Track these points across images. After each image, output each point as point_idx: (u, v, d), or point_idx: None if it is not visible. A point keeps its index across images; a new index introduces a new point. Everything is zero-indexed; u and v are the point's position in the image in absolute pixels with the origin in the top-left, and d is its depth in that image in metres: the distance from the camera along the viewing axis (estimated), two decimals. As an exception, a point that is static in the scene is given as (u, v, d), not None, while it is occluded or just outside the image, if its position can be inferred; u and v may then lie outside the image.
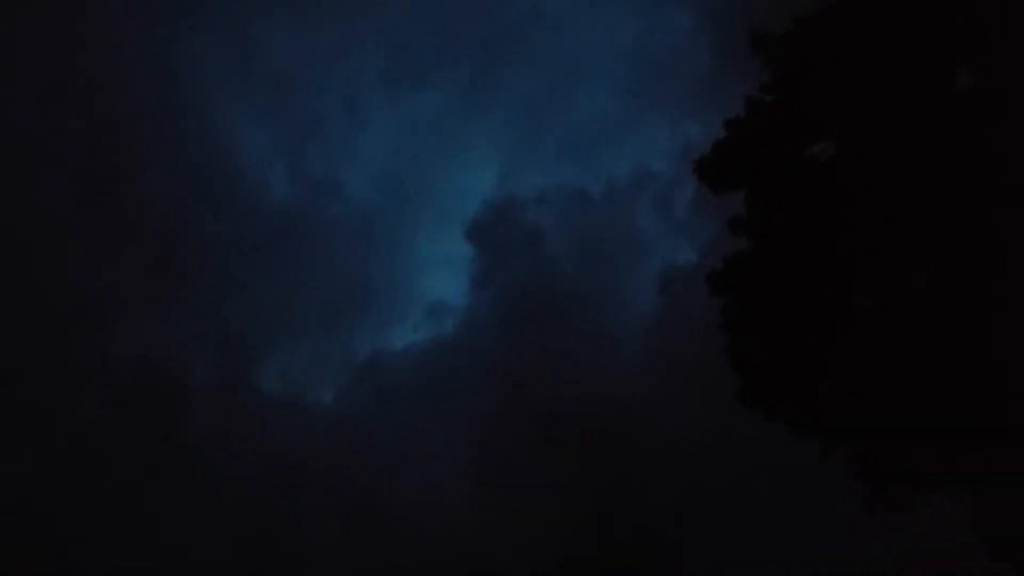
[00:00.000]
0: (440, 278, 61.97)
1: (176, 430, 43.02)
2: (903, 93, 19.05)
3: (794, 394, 20.14)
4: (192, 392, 44.42)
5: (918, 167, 18.80)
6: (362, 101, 56.59)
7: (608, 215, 49.77)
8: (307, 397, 48.52)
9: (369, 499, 42.06)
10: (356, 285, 51.85)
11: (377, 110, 58.15)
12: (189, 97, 49.50)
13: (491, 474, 42.67)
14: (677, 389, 39.34)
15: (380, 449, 43.51)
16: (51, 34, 47.11)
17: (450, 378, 45.94)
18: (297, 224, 50.52)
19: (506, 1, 57.01)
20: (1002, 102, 18.30)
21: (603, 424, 40.65)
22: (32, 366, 41.79)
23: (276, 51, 53.98)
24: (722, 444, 36.61)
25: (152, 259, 46.69)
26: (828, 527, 32.54)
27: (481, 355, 45.18)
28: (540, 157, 56.26)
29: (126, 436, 41.72)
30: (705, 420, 36.73)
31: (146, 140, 47.51)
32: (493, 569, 39.42)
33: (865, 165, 19.30)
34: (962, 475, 18.96)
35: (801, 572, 33.27)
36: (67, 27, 47.42)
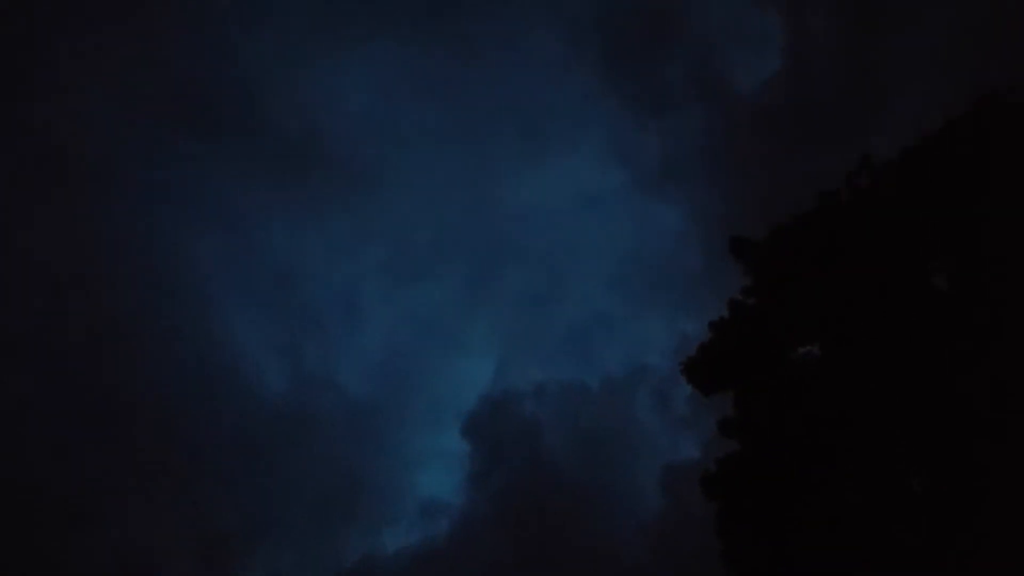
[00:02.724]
0: (435, 475, 60.87)
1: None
2: (881, 296, 19.45)
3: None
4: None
5: (900, 367, 18.90)
6: (361, 296, 57.92)
7: (606, 409, 49.53)
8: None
9: None
10: (349, 483, 51.02)
11: (375, 305, 59.31)
12: (190, 291, 50.83)
13: None
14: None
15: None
16: (62, 228, 48.98)
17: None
18: (292, 420, 50.39)
19: (502, 199, 59.53)
20: (977, 302, 18.64)
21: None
22: (26, 562, 40.60)
23: (278, 248, 55.92)
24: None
25: (146, 455, 46.22)
26: None
27: (476, 558, 43.64)
28: (537, 351, 56.82)
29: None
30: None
31: (145, 333, 48.32)
32: None
33: (849, 367, 19.41)
34: None
35: None
36: (78, 222, 49.37)
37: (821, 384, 19.43)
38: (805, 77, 46.97)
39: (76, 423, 45.66)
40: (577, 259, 59.42)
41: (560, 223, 59.86)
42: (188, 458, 47.14)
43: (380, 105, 59.86)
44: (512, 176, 59.44)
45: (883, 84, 43.05)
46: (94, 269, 48.31)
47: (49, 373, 45.83)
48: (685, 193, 53.31)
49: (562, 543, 42.54)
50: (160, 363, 48.78)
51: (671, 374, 48.86)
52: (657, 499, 43.84)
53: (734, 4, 52.40)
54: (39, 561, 40.83)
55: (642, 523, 43.10)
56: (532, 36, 57.52)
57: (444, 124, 59.47)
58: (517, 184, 59.22)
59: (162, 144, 52.78)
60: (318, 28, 56.50)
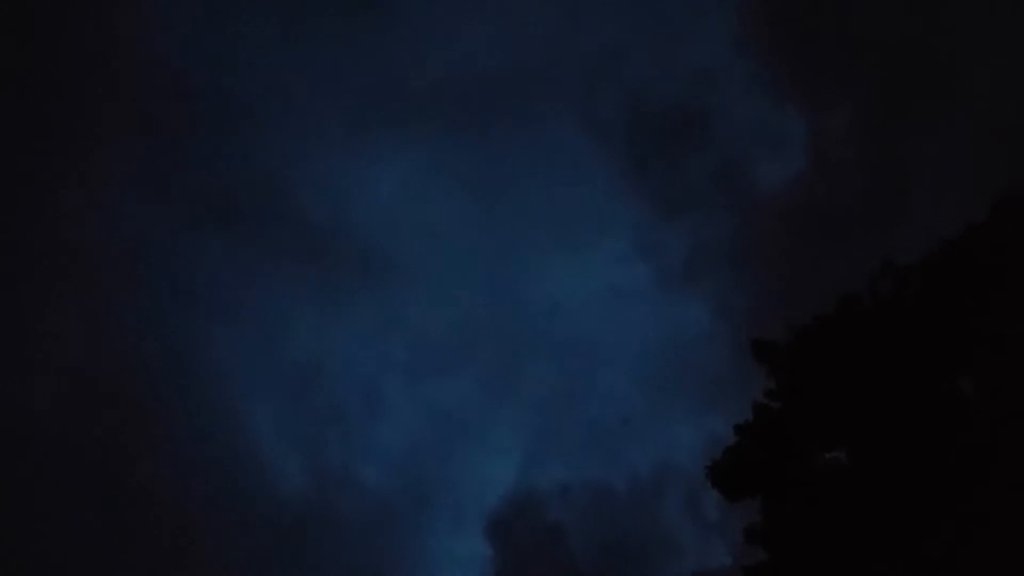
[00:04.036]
0: (456, 580, 59.23)
1: None
2: (907, 402, 19.14)
3: None
4: None
5: (929, 475, 18.46)
6: (382, 390, 57.64)
7: (633, 511, 48.46)
8: None
9: None
10: (367, 585, 49.85)
11: (397, 399, 58.92)
12: (210, 384, 50.92)
13: None
14: None
15: None
16: (81, 320, 49.63)
17: None
18: (309, 518, 49.64)
19: (527, 293, 59.64)
20: (1005, 408, 18.29)
21: None
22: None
23: (299, 340, 56.08)
24: None
25: (161, 552, 45.67)
26: None
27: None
28: (561, 449, 56.03)
29: None
30: None
31: (162, 427, 48.32)
32: None
33: (877, 474, 18.99)
34: None
35: None
36: (97, 313, 50.03)
37: (848, 492, 18.98)
38: (828, 176, 47.38)
39: (91, 516, 45.38)
40: (602, 355, 59.02)
41: (585, 319, 59.72)
42: (204, 555, 46.49)
43: (405, 198, 60.64)
44: (537, 271, 59.81)
45: (906, 183, 43.30)
46: (112, 361, 48.74)
47: (64, 465, 45.83)
48: (710, 290, 53.25)
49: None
50: (176, 458, 48.63)
51: (700, 475, 47.98)
52: (687, 606, 42.49)
53: (758, 104, 53.30)
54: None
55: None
56: (559, 132, 58.57)
57: (469, 218, 60.17)
58: (542, 279, 59.50)
59: (183, 235, 53.77)
60: (344, 121, 57.94)
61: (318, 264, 56.32)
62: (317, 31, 56.96)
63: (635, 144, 55.26)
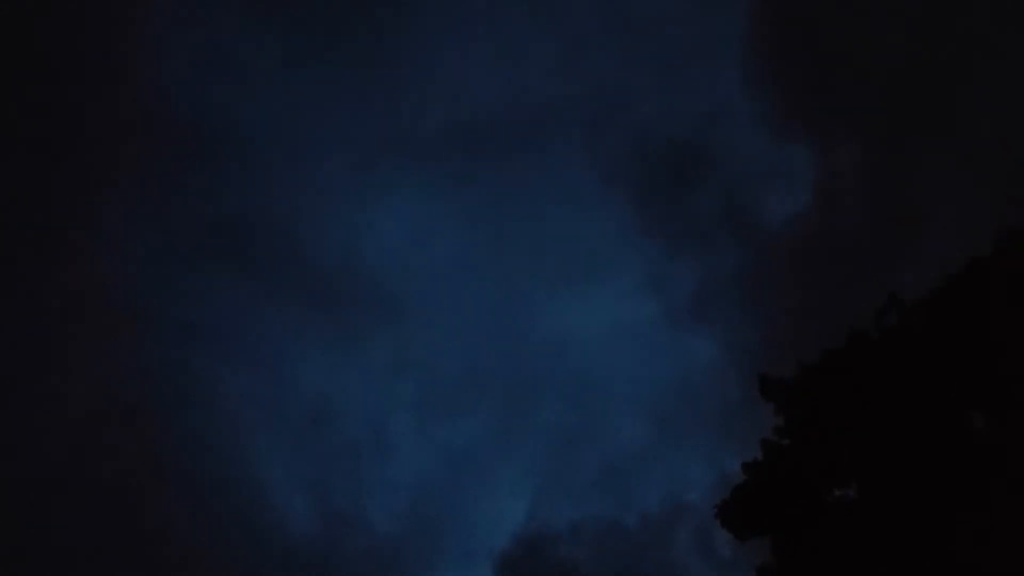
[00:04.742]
0: (467, 621, 58.50)
1: None
2: (917, 437, 19.03)
3: None
4: None
5: (941, 510, 18.30)
6: (392, 430, 57.53)
7: (644, 550, 47.95)
8: None
9: None
10: (376, 629, 49.34)
11: (406, 439, 58.76)
12: (220, 425, 50.86)
13: None
14: None
15: None
16: (93, 365, 49.76)
17: None
18: (317, 559, 49.29)
19: (535, 332, 59.62)
20: (1016, 442, 18.17)
21: None
22: None
23: (309, 380, 56.09)
24: None
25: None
26: None
27: None
28: (572, 487, 55.63)
29: None
30: None
31: (173, 467, 48.19)
32: None
33: (887, 510, 18.83)
34: None
35: None
36: (109, 358, 50.15)
37: (860, 528, 18.81)
38: (834, 212, 47.52)
39: (103, 560, 45.15)
40: (611, 392, 58.84)
41: (593, 356, 59.62)
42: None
43: (414, 238, 61.11)
44: (545, 309, 59.85)
45: (912, 218, 43.38)
46: (122, 404, 48.74)
47: (75, 509, 45.68)
48: (718, 326, 53.16)
49: None
50: (186, 499, 48.46)
51: (711, 512, 47.58)
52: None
53: (764, 141, 53.60)
54: None
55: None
56: (566, 172, 58.99)
57: (477, 258, 60.48)
58: (550, 317, 59.52)
59: (192, 276, 54.02)
60: (353, 162, 58.43)
61: (328, 304, 56.61)
62: (326, 74, 57.81)
63: (642, 182, 55.62)
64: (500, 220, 59.96)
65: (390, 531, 53.95)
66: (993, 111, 41.79)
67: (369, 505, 55.88)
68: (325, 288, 56.12)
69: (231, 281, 54.81)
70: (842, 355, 20.30)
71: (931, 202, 43.32)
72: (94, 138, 51.84)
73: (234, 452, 50.69)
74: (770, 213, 52.82)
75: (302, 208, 57.07)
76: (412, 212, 59.82)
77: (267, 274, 56.43)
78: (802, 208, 50.26)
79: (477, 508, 56.57)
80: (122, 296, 52.19)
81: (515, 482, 56.77)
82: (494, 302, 60.04)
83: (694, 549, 47.55)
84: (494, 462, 56.99)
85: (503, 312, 60.06)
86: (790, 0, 48.69)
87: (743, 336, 49.73)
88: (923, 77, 45.16)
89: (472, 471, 56.80)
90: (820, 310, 41.38)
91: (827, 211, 47.59)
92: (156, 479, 47.69)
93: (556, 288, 59.86)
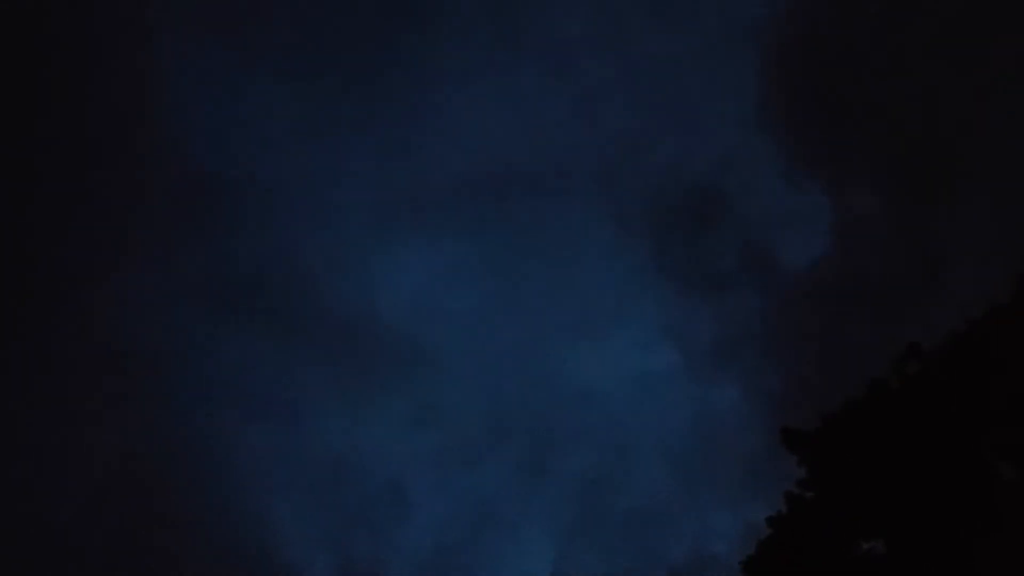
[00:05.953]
0: None
1: None
2: (945, 486, 18.69)
3: None
4: None
5: (971, 561, 17.89)
6: (412, 483, 57.02)
7: (674, 607, 47.01)
8: None
9: None
10: None
11: (427, 492, 58.23)
12: (239, 482, 50.60)
13: None
14: None
15: None
16: (111, 417, 49.84)
17: None
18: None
19: (556, 381, 59.24)
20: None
21: None
22: None
23: (328, 434, 55.79)
24: None
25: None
26: None
27: None
28: (596, 541, 54.79)
29: None
30: None
31: (192, 526, 47.92)
32: None
33: (917, 563, 18.42)
34: None
35: None
36: (127, 411, 50.27)
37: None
38: (854, 256, 47.24)
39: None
40: (633, 442, 58.19)
41: (614, 406, 59.08)
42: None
43: (433, 289, 61.20)
44: (565, 358, 59.51)
45: (933, 262, 43.05)
46: (142, 462, 48.67)
47: (96, 569, 45.50)
48: (739, 372, 52.69)
49: None
50: (206, 557, 48.14)
51: (737, 565, 46.67)
52: None
53: (780, 185, 53.54)
54: None
55: None
56: (584, 219, 59.09)
57: (497, 307, 60.40)
58: (570, 367, 59.15)
59: (210, 331, 54.21)
60: (372, 214, 58.80)
61: (347, 356, 56.61)
62: (345, 126, 58.49)
63: (659, 228, 55.62)
64: (518, 270, 60.03)
65: (410, 588, 53.28)
66: (1014, 153, 41.64)
67: (387, 562, 55.32)
68: (344, 342, 56.22)
69: (250, 336, 55.02)
70: (863, 405, 20.06)
71: (953, 245, 43.04)
72: (115, 195, 52.67)
73: (252, 508, 50.49)
74: (788, 258, 52.65)
75: (321, 263, 57.46)
76: (430, 264, 60.06)
77: (286, 328, 56.61)
78: (820, 252, 50.09)
79: (499, 563, 55.83)
80: (141, 351, 52.51)
81: (537, 536, 56.02)
82: (512, 353, 59.88)
83: (723, 602, 46.61)
84: (516, 516, 56.29)
85: (522, 363, 59.89)
86: (804, 43, 48.97)
87: (764, 382, 49.27)
88: (941, 119, 45.17)
89: (494, 525, 56.16)
90: (841, 354, 41.00)
91: (847, 255, 47.35)
92: (172, 535, 47.48)
93: (576, 337, 59.68)
